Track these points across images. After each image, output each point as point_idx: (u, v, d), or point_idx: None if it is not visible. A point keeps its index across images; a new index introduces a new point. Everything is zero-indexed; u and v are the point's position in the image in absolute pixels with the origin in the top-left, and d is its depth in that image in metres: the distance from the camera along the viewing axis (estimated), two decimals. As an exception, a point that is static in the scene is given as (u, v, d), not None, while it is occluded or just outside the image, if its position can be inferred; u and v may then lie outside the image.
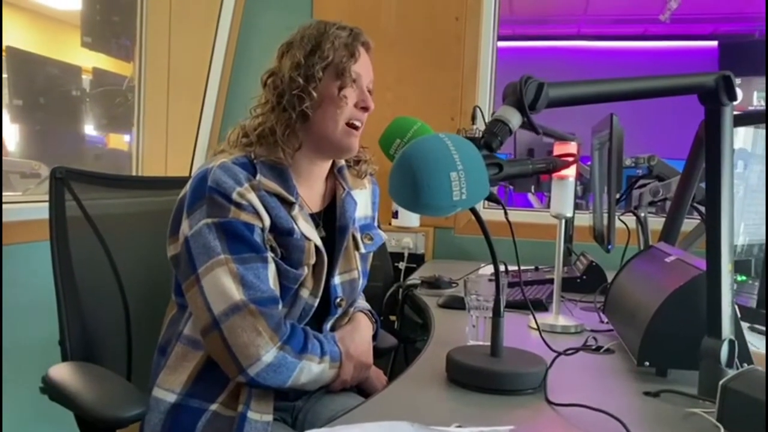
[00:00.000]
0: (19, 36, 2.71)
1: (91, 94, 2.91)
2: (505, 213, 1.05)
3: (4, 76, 2.24)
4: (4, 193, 1.78)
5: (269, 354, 1.09)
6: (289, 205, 1.19)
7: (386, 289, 1.98)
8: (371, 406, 0.98)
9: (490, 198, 0.95)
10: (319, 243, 1.22)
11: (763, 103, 6.69)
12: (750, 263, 1.67)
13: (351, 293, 1.31)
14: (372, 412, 0.94)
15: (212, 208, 1.12)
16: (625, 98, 0.97)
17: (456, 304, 1.65)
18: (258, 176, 1.17)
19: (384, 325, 1.58)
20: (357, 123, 1.23)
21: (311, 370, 1.15)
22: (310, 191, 1.28)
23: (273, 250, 1.16)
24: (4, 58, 2.14)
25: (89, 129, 3.03)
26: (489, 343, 1.08)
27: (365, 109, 1.24)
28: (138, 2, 2.71)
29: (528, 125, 0.92)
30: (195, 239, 1.12)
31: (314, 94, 1.18)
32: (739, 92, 0.98)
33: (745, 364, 0.99)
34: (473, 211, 0.97)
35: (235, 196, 1.12)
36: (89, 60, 2.89)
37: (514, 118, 0.91)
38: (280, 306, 1.15)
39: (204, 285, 1.11)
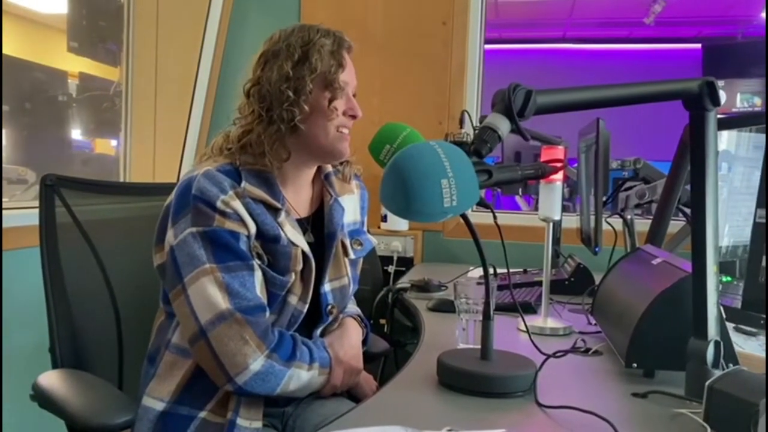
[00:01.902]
0: (4, 41, 2.69)
1: (77, 99, 2.90)
2: (494, 217, 1.06)
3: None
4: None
5: (257, 363, 1.10)
6: (275, 211, 1.19)
7: (376, 293, 1.99)
8: (362, 410, 0.99)
9: (480, 203, 0.96)
10: (307, 249, 1.21)
11: (746, 105, 6.78)
12: (735, 264, 1.69)
13: (342, 300, 1.32)
14: (363, 416, 0.95)
15: (197, 217, 1.12)
16: (612, 104, 0.99)
17: (446, 307, 1.66)
18: (243, 183, 1.16)
19: (374, 329, 1.59)
20: (345, 130, 1.24)
21: (300, 377, 1.15)
22: (297, 196, 1.28)
23: (259, 257, 1.16)
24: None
25: (76, 134, 3.02)
26: (479, 347, 1.09)
27: (353, 117, 1.25)
28: (125, 7, 2.70)
29: (517, 132, 0.93)
30: (180, 248, 1.12)
31: (305, 107, 1.18)
32: (722, 94, 1.00)
33: (731, 365, 1.00)
34: (463, 215, 0.98)
35: (219, 204, 1.12)
36: (76, 65, 2.88)
37: (503, 125, 0.93)
38: (267, 314, 1.15)
39: (190, 294, 1.11)
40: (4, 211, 1.87)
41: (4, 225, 1.78)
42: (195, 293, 1.10)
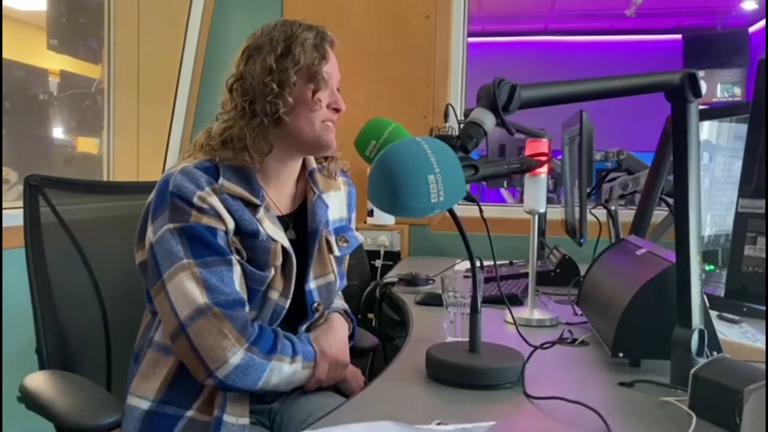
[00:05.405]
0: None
1: (58, 98, 2.88)
2: (481, 211, 1.07)
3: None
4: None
5: (236, 356, 1.10)
6: (253, 207, 1.19)
7: (363, 288, 1.99)
8: (352, 405, 0.99)
9: (466, 197, 0.96)
10: (287, 244, 1.21)
11: (726, 95, 6.85)
12: (717, 253, 1.71)
13: (328, 297, 1.32)
14: (353, 411, 0.95)
15: (174, 213, 1.13)
16: (595, 97, 1.00)
17: (433, 301, 1.66)
18: (221, 180, 1.16)
19: (362, 324, 1.59)
20: (330, 124, 1.24)
21: (282, 370, 1.15)
22: (280, 193, 1.28)
23: (238, 252, 1.16)
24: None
25: (58, 132, 2.99)
26: (467, 339, 1.10)
27: (337, 110, 1.25)
28: (105, 3, 2.67)
29: (502, 126, 0.93)
30: (159, 245, 1.13)
31: (289, 99, 1.18)
32: (702, 85, 1.01)
33: (715, 353, 1.02)
34: (449, 209, 0.98)
35: (195, 200, 1.12)
36: (56, 62, 2.85)
37: (488, 120, 0.93)
38: (247, 308, 1.15)
39: (169, 290, 1.11)
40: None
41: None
42: (173, 289, 1.11)
